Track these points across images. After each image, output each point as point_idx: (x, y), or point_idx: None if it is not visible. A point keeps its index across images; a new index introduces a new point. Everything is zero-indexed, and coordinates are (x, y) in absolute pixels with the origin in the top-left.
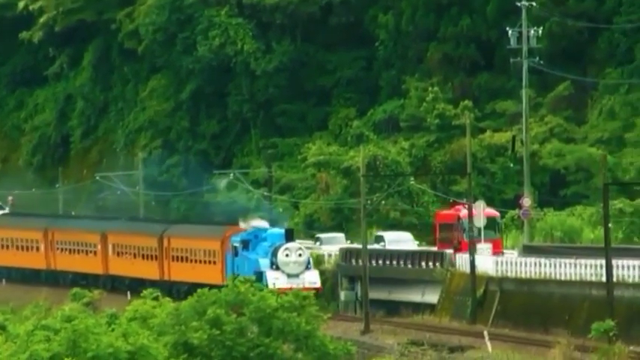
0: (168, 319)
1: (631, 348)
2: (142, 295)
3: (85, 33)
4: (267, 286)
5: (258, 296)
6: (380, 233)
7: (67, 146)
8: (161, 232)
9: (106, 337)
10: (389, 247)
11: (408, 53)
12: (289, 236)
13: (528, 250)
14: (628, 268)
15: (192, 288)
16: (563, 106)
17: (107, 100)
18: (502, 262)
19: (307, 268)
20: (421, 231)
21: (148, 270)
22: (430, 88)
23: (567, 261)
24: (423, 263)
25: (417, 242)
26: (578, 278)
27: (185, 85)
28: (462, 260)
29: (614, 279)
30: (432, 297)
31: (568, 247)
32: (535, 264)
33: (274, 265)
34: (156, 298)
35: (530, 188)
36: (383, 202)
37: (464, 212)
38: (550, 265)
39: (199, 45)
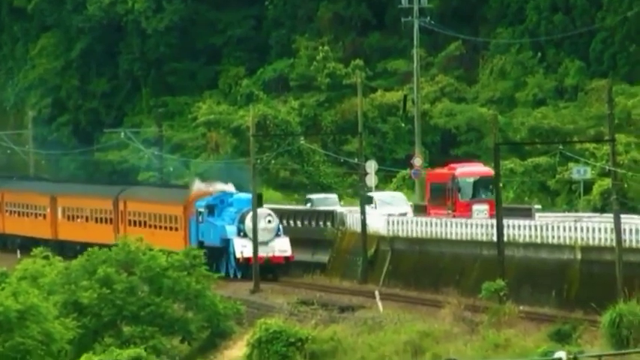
0: (59, 278)
1: (521, 308)
2: (32, 254)
3: None
4: (234, 254)
5: (148, 255)
6: (370, 194)
7: None
8: (116, 194)
9: None
10: (379, 208)
11: (298, 12)
12: (257, 201)
13: (419, 210)
14: (519, 227)
15: None
16: (455, 65)
17: None
18: (393, 222)
19: (277, 235)
20: (311, 190)
21: (102, 235)
22: (320, 47)
23: (458, 221)
24: (314, 222)
25: (411, 203)
26: (469, 238)
27: (75, 44)
28: (352, 219)
29: (505, 239)
30: (322, 256)
31: None
32: (426, 223)
33: (242, 232)
34: (46, 257)
35: (421, 148)
36: (273, 161)
37: (460, 171)
38: (441, 225)
39: (89, 3)
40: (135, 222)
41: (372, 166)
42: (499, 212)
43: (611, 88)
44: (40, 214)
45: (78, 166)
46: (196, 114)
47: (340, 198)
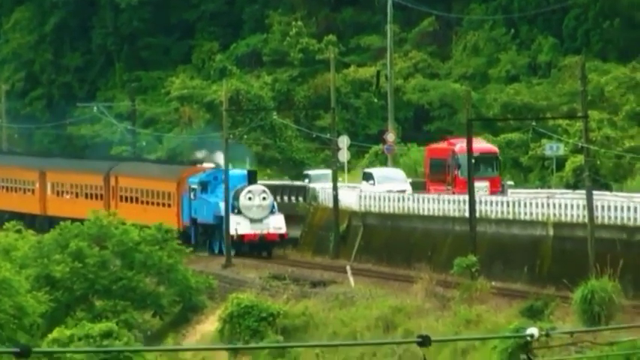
0: (31, 251)
1: (493, 284)
2: (4, 227)
3: None
4: (228, 231)
5: (120, 229)
6: (368, 170)
7: None
8: (107, 170)
9: None
10: (378, 185)
11: None
12: (252, 178)
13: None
14: (491, 203)
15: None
16: (428, 41)
17: None
18: (365, 197)
19: (272, 212)
20: (283, 166)
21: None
22: (294, 23)
23: (430, 196)
24: (286, 197)
25: (410, 180)
26: (441, 214)
27: (49, 18)
28: (325, 194)
29: (477, 215)
30: (294, 232)
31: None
32: (398, 199)
33: (236, 210)
34: (19, 231)
35: (394, 123)
36: (245, 136)
37: (459, 146)
38: (413, 200)
39: None
40: (126, 198)
41: (344, 141)
42: (471, 188)
43: (584, 64)
44: (28, 190)
45: (51, 140)
46: (169, 88)
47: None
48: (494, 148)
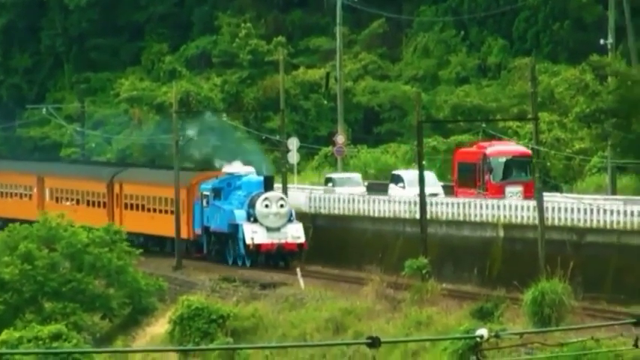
0: None
1: (443, 285)
2: None
3: None
4: (244, 240)
5: (69, 232)
6: (397, 172)
7: None
8: (111, 176)
9: None
10: (408, 188)
11: None
12: (268, 184)
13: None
14: (442, 205)
15: (149, 240)
16: (378, 43)
17: None
18: (315, 198)
19: (290, 220)
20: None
21: (94, 219)
22: (243, 24)
23: (381, 198)
24: None
25: (442, 183)
26: (391, 215)
27: None
28: None
29: (428, 216)
30: None
31: (382, 184)
32: (348, 200)
33: (252, 218)
34: None
35: (343, 125)
36: (195, 138)
37: (491, 150)
38: (363, 202)
39: None
40: (132, 205)
41: (293, 143)
42: (422, 190)
43: (535, 66)
44: (25, 195)
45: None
46: (119, 90)
47: None
48: (527, 150)
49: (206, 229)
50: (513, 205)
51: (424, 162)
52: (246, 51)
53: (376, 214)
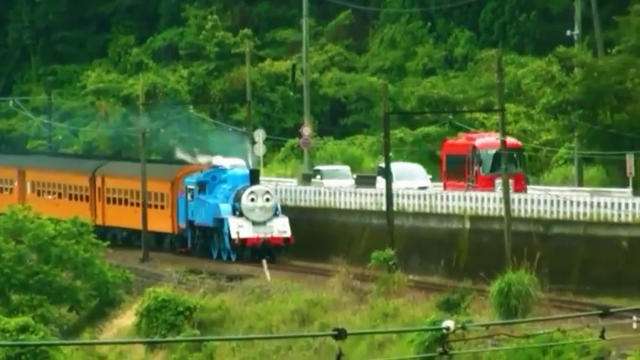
0: None
1: (410, 277)
2: None
3: None
4: (229, 235)
5: (36, 224)
6: (384, 165)
7: None
8: (94, 169)
9: None
10: (397, 181)
11: None
12: (254, 178)
13: (309, 179)
14: (408, 197)
15: (132, 235)
16: (344, 34)
17: None
18: (281, 191)
19: (275, 214)
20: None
21: (77, 212)
22: (210, 16)
23: (347, 190)
24: None
25: (431, 176)
26: (358, 207)
27: None
28: None
29: (395, 208)
30: None
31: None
32: (315, 192)
33: (237, 212)
34: None
35: (310, 117)
36: (162, 130)
37: (480, 141)
38: (330, 194)
39: None
40: (114, 199)
41: (260, 135)
42: (389, 181)
43: (501, 57)
44: (6, 189)
45: None
46: (85, 82)
47: None
48: (517, 142)
49: (191, 224)
50: (480, 197)
51: (391, 154)
52: (212, 43)
53: (342, 206)
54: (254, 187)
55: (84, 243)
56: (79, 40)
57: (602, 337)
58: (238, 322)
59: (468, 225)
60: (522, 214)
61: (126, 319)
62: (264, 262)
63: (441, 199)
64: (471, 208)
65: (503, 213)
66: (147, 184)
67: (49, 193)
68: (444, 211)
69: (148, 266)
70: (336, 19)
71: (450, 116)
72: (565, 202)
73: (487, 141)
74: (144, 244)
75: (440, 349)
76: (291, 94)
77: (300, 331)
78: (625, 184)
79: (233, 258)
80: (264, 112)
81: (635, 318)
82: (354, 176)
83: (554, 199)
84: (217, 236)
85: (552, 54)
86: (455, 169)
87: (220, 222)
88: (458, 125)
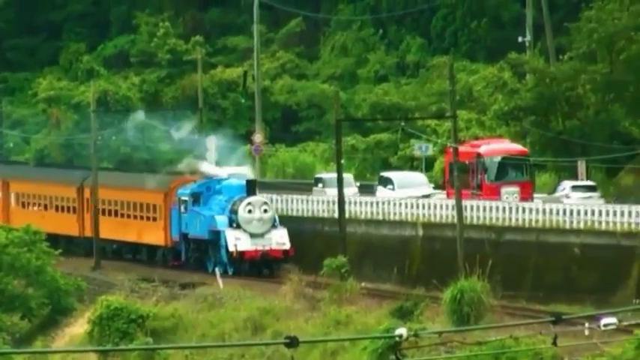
0: None
1: (363, 284)
2: None
3: None
4: (226, 247)
5: None
6: (386, 174)
7: None
8: (81, 180)
9: None
10: (398, 190)
11: None
12: (251, 188)
13: (260, 186)
14: (360, 204)
15: (122, 247)
16: (295, 42)
17: None
18: None
19: (274, 226)
20: (152, 166)
21: (64, 225)
22: (161, 23)
23: (299, 197)
24: None
25: (433, 185)
26: (310, 214)
27: None
28: None
29: (347, 215)
30: None
31: (300, 182)
32: (267, 200)
33: (234, 223)
34: None
35: (261, 124)
36: (114, 137)
37: (485, 149)
38: (282, 201)
39: None
40: (104, 211)
41: (212, 142)
42: (340, 188)
43: (453, 64)
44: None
45: None
46: (37, 90)
47: None
48: (523, 148)
49: (184, 236)
50: (432, 204)
51: (343, 161)
52: (164, 50)
53: (295, 214)
54: (251, 199)
55: (36, 251)
56: (29, 47)
57: (554, 343)
58: (191, 330)
59: (420, 232)
60: (475, 221)
61: (78, 328)
62: (216, 269)
63: (394, 206)
64: (424, 215)
65: (455, 220)
66: (139, 195)
67: (34, 204)
68: (397, 218)
69: (100, 274)
70: (287, 26)
71: (402, 123)
72: (517, 209)
73: (492, 148)
74: (95, 252)
75: (393, 357)
76: (243, 101)
77: (252, 339)
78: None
79: (230, 272)
80: (216, 118)
81: (587, 324)
82: (358, 184)
83: (507, 206)
84: (213, 249)
85: (504, 61)
86: (458, 177)
87: (216, 234)
88: (410, 132)
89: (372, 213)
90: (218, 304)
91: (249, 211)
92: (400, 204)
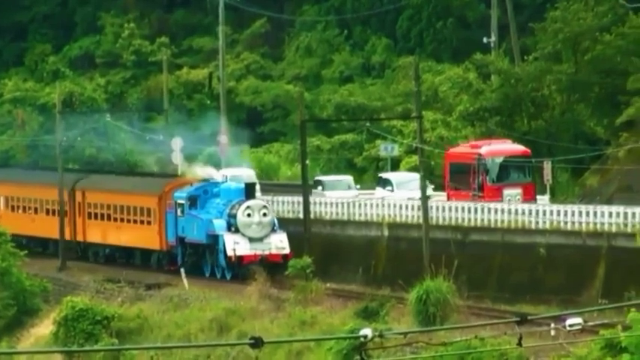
0: None
1: (328, 285)
2: None
3: None
4: (224, 252)
5: None
6: (385, 175)
7: None
8: (72, 183)
9: None
10: (397, 191)
11: None
12: (250, 192)
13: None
14: (325, 205)
15: (114, 251)
16: (260, 43)
17: None
18: None
19: (273, 230)
20: (117, 167)
21: (55, 229)
22: (126, 25)
23: (265, 197)
24: None
25: (433, 186)
26: (275, 215)
27: None
28: None
29: (312, 216)
30: None
31: (265, 183)
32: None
33: (233, 228)
34: None
35: (227, 125)
36: (79, 139)
37: (486, 149)
38: None
39: None
40: (96, 215)
41: (177, 143)
42: (305, 189)
43: (418, 65)
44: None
45: None
46: (2, 91)
47: None
48: (525, 149)
49: (181, 240)
50: (398, 204)
51: (308, 161)
52: (129, 51)
53: None
54: (250, 202)
55: (1, 252)
56: None
57: (519, 344)
58: (157, 330)
59: (386, 232)
60: (440, 221)
61: (43, 329)
62: (182, 270)
63: (359, 206)
64: (389, 216)
65: (421, 220)
66: (133, 199)
67: (24, 208)
68: (362, 218)
69: (66, 275)
70: (251, 27)
71: (368, 124)
72: (483, 210)
73: (494, 148)
74: (61, 253)
75: (358, 358)
76: (208, 102)
77: (218, 339)
78: (542, 192)
79: (228, 276)
80: (181, 120)
81: (552, 325)
82: (358, 187)
83: (472, 206)
84: (211, 253)
85: (469, 61)
86: (459, 179)
87: (214, 238)
88: (375, 132)
89: (337, 213)
90: (183, 304)
91: (249, 215)
92: (366, 204)
